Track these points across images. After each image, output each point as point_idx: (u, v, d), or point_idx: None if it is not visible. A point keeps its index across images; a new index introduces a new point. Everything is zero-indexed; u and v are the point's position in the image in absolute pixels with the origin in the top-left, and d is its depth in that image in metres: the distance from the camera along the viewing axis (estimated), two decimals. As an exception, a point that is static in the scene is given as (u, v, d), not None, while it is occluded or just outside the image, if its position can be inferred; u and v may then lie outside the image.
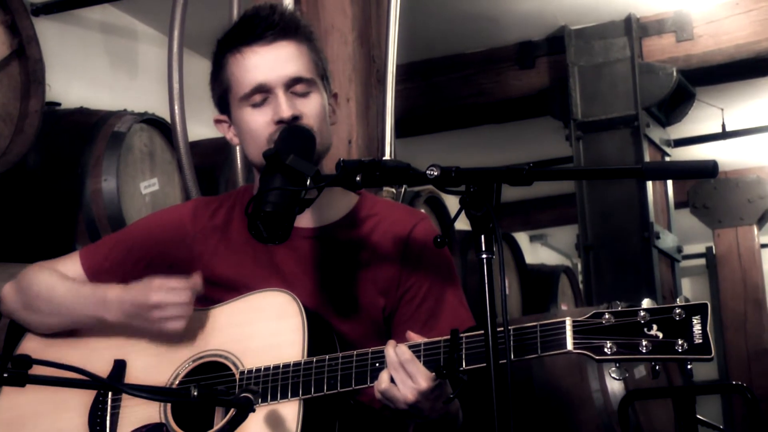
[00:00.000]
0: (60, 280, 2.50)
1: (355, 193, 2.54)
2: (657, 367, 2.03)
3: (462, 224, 2.04)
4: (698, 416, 4.24)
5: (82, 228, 4.29)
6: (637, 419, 4.54)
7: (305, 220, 2.45)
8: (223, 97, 2.49)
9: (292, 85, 2.40)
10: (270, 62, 2.39)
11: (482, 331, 2.01)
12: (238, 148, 3.95)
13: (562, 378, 4.67)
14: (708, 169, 1.96)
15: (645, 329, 2.02)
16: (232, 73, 2.43)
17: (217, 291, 2.46)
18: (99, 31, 5.57)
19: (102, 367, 2.42)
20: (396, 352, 2.17)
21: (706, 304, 2.03)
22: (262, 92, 2.39)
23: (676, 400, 4.64)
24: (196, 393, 1.96)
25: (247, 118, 2.41)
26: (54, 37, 5.05)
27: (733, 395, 8.76)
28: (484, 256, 1.97)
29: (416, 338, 2.21)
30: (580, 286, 7.39)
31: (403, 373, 2.15)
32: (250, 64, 2.40)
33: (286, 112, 2.35)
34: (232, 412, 2.23)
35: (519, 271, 6.61)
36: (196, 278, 2.39)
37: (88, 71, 5.42)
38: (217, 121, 2.54)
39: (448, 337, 2.15)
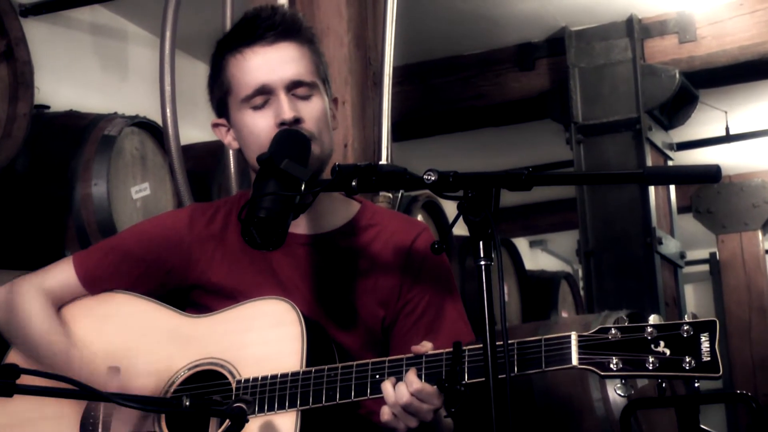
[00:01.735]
0: (42, 319, 2.46)
1: (356, 202, 2.52)
2: (663, 384, 2.01)
3: (460, 230, 1.99)
4: (702, 426, 4.21)
5: (71, 234, 4.29)
6: (640, 429, 4.52)
7: (305, 228, 2.43)
8: (222, 99, 2.45)
9: (293, 87, 2.37)
10: (271, 63, 2.37)
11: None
12: (231, 151, 3.95)
13: (563, 387, 4.64)
14: (711, 174, 1.94)
15: (652, 345, 2.00)
16: (233, 75, 2.40)
17: (215, 299, 2.43)
18: (89, 33, 5.55)
19: (96, 375, 2.38)
20: (395, 393, 2.15)
21: (714, 321, 2.00)
22: (264, 94, 2.36)
23: (680, 410, 4.61)
24: (188, 403, 1.94)
25: (248, 120, 2.38)
26: (43, 38, 5.04)
27: (738, 404, 8.73)
28: (482, 262, 1.96)
29: (420, 350, 2.18)
30: (581, 292, 7.39)
31: (403, 412, 2.14)
32: (251, 65, 2.38)
33: (287, 114, 2.32)
34: (227, 422, 2.17)
35: (519, 278, 6.61)
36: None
37: (78, 73, 5.41)
38: (215, 125, 2.51)
39: (451, 349, 2.13)
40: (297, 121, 2.33)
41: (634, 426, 4.37)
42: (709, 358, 1.97)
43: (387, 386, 2.15)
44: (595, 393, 4.54)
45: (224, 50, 2.44)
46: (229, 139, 2.48)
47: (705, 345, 1.97)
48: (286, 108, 2.33)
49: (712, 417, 9.46)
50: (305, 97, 2.38)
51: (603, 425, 4.55)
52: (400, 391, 2.13)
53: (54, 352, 2.41)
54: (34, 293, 2.49)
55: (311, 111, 2.37)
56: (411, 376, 2.14)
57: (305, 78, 2.38)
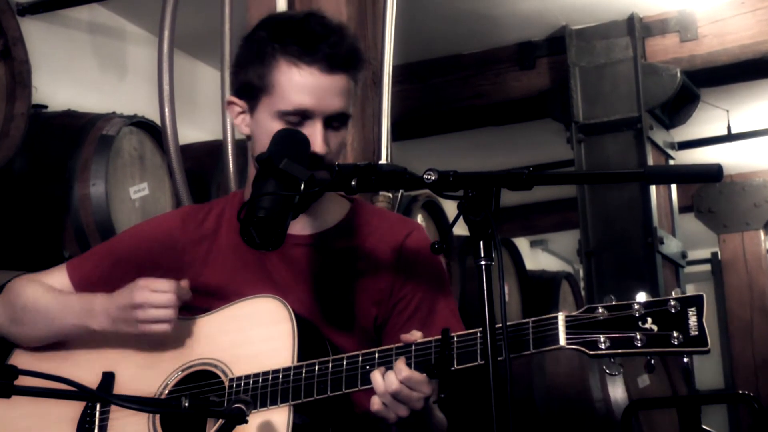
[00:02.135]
0: (46, 291, 2.48)
1: (348, 201, 2.51)
2: (652, 361, 2.01)
3: (460, 230, 1.97)
4: (703, 426, 4.22)
5: (69, 234, 4.29)
6: (641, 430, 4.52)
7: (298, 227, 2.41)
8: (253, 88, 2.38)
9: (332, 118, 2.34)
10: (322, 91, 2.32)
11: (474, 330, 2.08)
12: (230, 150, 3.96)
13: (564, 388, 4.64)
14: (712, 173, 1.95)
15: (639, 322, 2.01)
16: (279, 81, 2.33)
17: (208, 300, 2.42)
18: (87, 32, 5.54)
19: (91, 380, 2.40)
20: (384, 382, 2.15)
21: (701, 296, 2.00)
22: (302, 116, 2.32)
23: (681, 410, 4.62)
24: (187, 404, 1.93)
25: (276, 129, 2.32)
26: (40, 37, 5.02)
27: (740, 405, 8.73)
28: (482, 262, 1.96)
29: (409, 339, 2.18)
30: (582, 292, 7.37)
31: (393, 401, 2.14)
32: (303, 84, 2.32)
33: (320, 148, 2.30)
34: (220, 421, 2.20)
35: (519, 278, 6.61)
36: (183, 282, 2.37)
37: (76, 73, 5.39)
38: (231, 103, 2.45)
39: (440, 337, 2.13)
40: (324, 156, 2.31)
41: (635, 426, 4.38)
42: (696, 333, 1.96)
43: (376, 375, 2.15)
44: (596, 393, 4.55)
45: (278, 44, 2.35)
46: (240, 121, 2.43)
47: (692, 320, 1.97)
48: (320, 141, 2.30)
49: (714, 418, 9.44)
50: (336, 128, 2.35)
51: (604, 426, 4.55)
52: (389, 379, 2.13)
53: (79, 305, 2.41)
54: (32, 281, 2.51)
55: (337, 142, 2.36)
56: (400, 364, 2.14)
57: (346, 110, 2.35)
